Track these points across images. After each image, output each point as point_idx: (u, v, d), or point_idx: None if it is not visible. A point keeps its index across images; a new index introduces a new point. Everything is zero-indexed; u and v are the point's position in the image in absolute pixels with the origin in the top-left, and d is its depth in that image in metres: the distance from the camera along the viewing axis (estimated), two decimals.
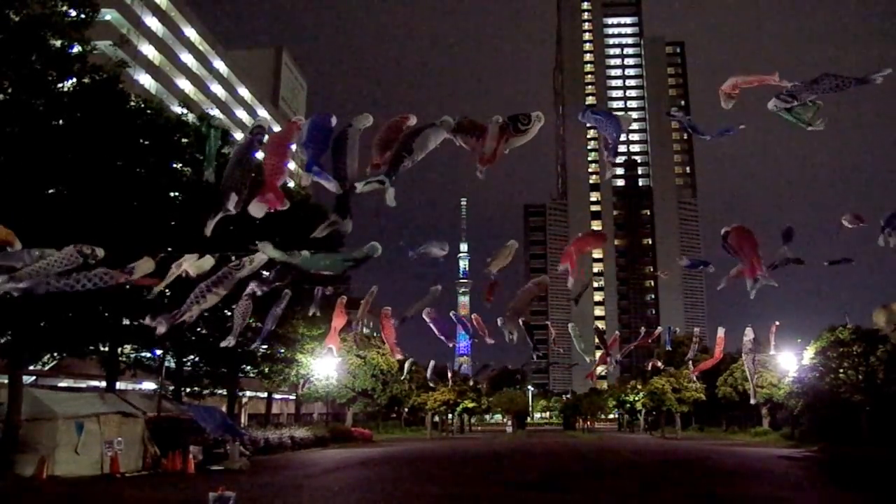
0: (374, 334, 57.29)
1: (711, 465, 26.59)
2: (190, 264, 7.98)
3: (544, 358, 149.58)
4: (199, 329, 27.91)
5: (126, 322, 23.91)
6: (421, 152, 5.68)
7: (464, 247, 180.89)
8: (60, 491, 16.88)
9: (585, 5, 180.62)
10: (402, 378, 45.38)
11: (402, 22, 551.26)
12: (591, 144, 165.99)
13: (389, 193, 5.43)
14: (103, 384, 28.23)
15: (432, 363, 29.81)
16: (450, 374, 28.12)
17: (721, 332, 19.83)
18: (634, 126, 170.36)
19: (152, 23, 68.63)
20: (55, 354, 25.55)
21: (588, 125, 7.07)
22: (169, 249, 17.68)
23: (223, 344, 9.67)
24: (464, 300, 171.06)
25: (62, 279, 7.34)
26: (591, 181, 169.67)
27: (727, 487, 18.64)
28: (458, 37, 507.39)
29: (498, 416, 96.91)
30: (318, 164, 5.69)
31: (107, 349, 26.11)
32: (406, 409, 63.96)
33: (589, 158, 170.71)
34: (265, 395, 46.92)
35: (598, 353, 22.86)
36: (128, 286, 8.34)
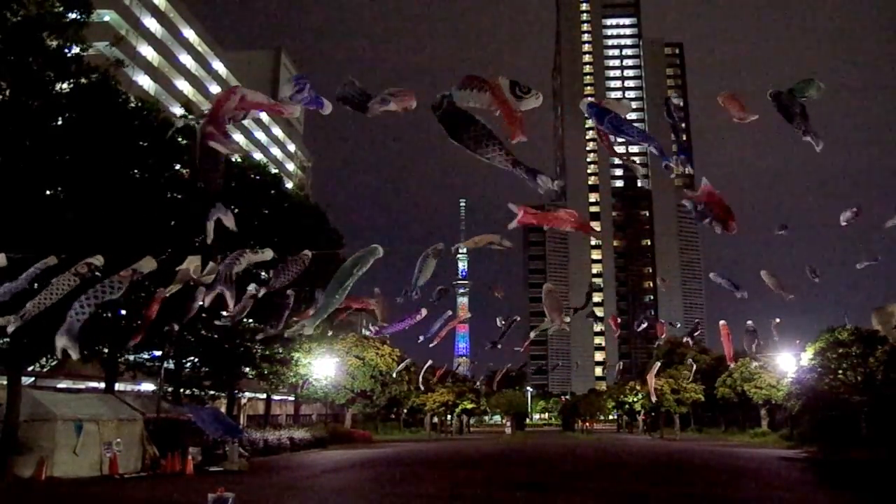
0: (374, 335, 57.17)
1: (710, 465, 26.57)
2: (195, 267, 8.05)
3: (544, 359, 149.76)
4: (198, 329, 27.89)
5: (125, 323, 23.87)
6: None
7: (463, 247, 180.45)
8: (59, 492, 16.86)
9: (584, 6, 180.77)
10: (400, 373, 44.64)
11: (401, 23, 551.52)
12: (591, 145, 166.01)
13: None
14: (102, 385, 28.18)
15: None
16: (438, 374, 27.96)
17: (723, 325, 19.37)
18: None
19: (151, 24, 68.61)
20: (54, 355, 25.51)
21: (588, 121, 7.02)
22: (169, 251, 17.69)
23: (219, 323, 9.78)
24: (463, 300, 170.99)
25: (86, 303, 7.41)
26: (590, 182, 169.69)
27: (725, 488, 18.64)
28: (456, 36, 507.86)
29: (497, 417, 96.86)
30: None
31: (106, 351, 26.07)
32: (405, 410, 63.94)
33: (588, 159, 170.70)
34: (264, 396, 46.86)
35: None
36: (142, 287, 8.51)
